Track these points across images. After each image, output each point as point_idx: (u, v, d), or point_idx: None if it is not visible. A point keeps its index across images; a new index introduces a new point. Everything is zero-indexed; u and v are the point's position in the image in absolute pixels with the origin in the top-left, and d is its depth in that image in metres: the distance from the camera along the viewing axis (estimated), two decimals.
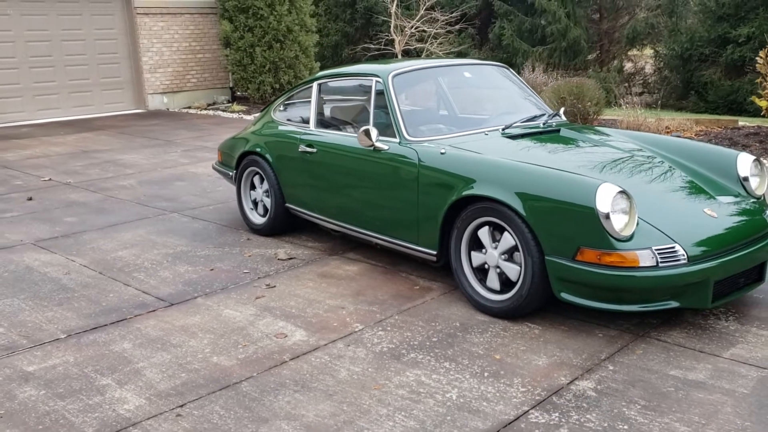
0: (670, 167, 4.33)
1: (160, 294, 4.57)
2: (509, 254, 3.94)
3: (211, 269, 5.04)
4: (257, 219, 5.84)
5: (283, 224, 5.64)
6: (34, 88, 13.86)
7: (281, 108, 5.80)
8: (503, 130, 4.62)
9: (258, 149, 5.68)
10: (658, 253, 3.54)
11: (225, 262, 5.18)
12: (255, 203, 5.89)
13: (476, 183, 4.01)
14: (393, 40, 14.87)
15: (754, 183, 4.29)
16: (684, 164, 4.43)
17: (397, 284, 4.61)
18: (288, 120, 5.64)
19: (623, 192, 3.56)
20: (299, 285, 4.65)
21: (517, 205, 3.79)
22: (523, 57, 20.11)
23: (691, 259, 3.57)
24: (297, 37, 14.59)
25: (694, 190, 4.12)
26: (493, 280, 4.05)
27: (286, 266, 5.04)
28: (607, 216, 3.49)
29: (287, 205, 5.52)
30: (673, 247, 3.57)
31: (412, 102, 4.87)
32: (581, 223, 3.57)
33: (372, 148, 4.56)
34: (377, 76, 4.78)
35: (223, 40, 14.75)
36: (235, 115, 14.01)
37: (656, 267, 3.52)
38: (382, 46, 15.40)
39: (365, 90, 4.89)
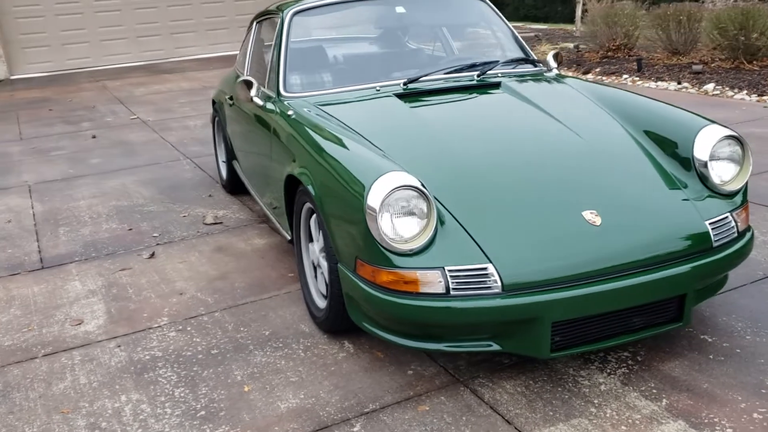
0: (596, 145, 3.02)
1: (49, 255, 4.29)
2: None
3: (130, 229, 4.65)
4: (225, 173, 5.32)
5: (237, 182, 5.05)
6: (205, 23, 14.38)
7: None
8: (404, 84, 3.56)
9: (216, 98, 5.11)
10: (452, 276, 2.43)
11: (154, 221, 4.76)
12: None
13: (298, 157, 3.12)
14: None
15: (720, 171, 2.86)
16: (639, 140, 3.10)
17: (277, 268, 3.86)
18: (242, 66, 4.96)
19: (413, 188, 2.47)
20: (179, 258, 4.09)
21: (312, 189, 2.87)
22: None
23: (508, 288, 2.42)
24: None
25: (604, 181, 2.82)
26: (321, 281, 3.17)
27: (201, 232, 4.49)
28: (377, 219, 2.45)
29: (233, 161, 4.92)
30: (483, 269, 2.44)
31: (317, 46, 3.95)
32: (357, 225, 2.56)
33: (251, 102, 3.79)
34: (280, 14, 3.94)
35: None
36: None
37: (445, 295, 2.44)
38: None
39: (273, 32, 4.06)
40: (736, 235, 2.74)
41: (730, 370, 2.64)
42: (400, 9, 3.98)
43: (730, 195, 2.84)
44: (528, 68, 3.89)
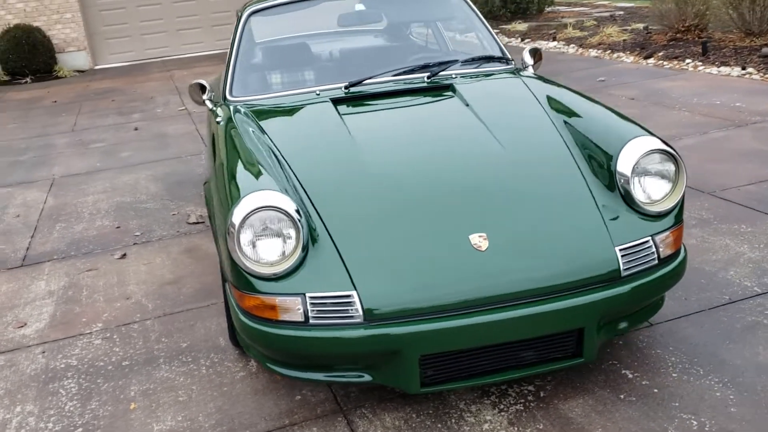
0: (517, 158, 2.76)
1: (34, 252, 4.41)
2: None
3: (118, 227, 4.72)
4: None
5: None
6: None
7: None
8: (346, 87, 3.39)
9: None
10: (312, 304, 2.28)
11: (143, 219, 4.82)
12: None
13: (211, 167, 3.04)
14: None
15: (649, 189, 2.55)
16: (573, 152, 2.81)
17: None
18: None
19: (280, 209, 2.33)
20: (146, 260, 4.11)
21: (207, 202, 2.79)
22: None
23: (370, 318, 2.25)
24: None
25: (508, 200, 2.57)
26: None
27: (180, 232, 4.50)
28: (236, 237, 2.33)
29: None
30: (347, 296, 2.28)
31: (269, 47, 3.83)
32: (226, 246, 2.45)
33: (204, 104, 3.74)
34: (239, 13, 3.86)
35: None
36: None
37: (304, 324, 2.29)
38: None
39: None
40: (655, 262, 2.43)
41: (635, 414, 2.37)
42: (359, 6, 3.80)
43: (660, 216, 2.52)
44: (496, 66, 3.62)
